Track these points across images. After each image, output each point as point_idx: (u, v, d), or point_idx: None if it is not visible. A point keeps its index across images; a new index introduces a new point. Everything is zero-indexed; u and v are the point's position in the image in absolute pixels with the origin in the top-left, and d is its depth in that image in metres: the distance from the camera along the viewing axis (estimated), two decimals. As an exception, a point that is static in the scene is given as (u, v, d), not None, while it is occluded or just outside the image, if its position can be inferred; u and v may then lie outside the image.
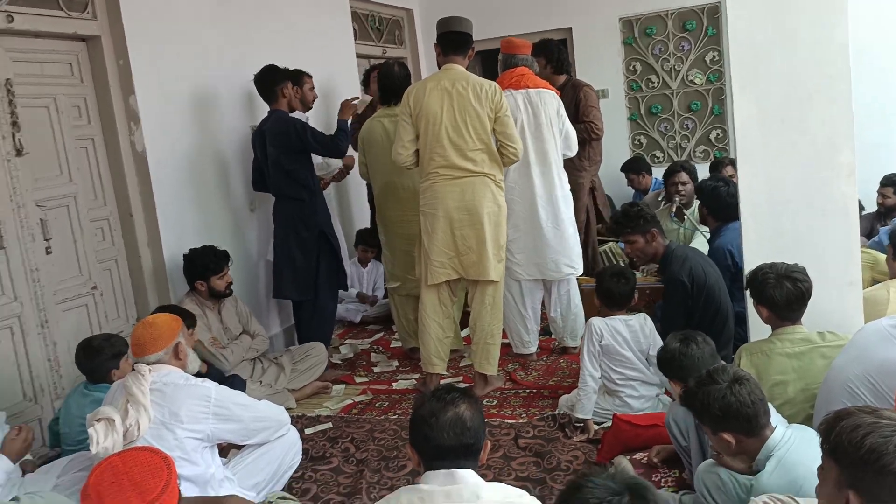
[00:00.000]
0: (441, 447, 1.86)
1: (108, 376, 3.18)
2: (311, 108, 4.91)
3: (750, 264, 3.02)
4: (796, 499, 1.88)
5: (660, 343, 3.10)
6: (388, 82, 4.50)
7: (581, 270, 4.43)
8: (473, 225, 3.82)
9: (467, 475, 1.84)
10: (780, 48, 3.05)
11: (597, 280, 3.60)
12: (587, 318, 3.88)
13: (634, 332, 3.40)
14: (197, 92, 4.44)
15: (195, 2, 4.44)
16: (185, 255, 4.08)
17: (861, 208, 5.00)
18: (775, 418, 2.18)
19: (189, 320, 3.48)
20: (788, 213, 3.10)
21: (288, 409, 3.09)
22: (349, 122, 4.53)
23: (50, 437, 3.40)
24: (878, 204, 5.23)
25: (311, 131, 4.33)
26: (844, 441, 1.47)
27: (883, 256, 3.88)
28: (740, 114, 3.14)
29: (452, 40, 3.94)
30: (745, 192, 3.16)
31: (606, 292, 3.48)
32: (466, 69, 3.95)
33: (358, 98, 4.95)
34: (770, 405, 2.17)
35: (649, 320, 3.47)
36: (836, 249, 3.04)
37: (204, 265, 4.03)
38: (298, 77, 4.70)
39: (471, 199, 3.81)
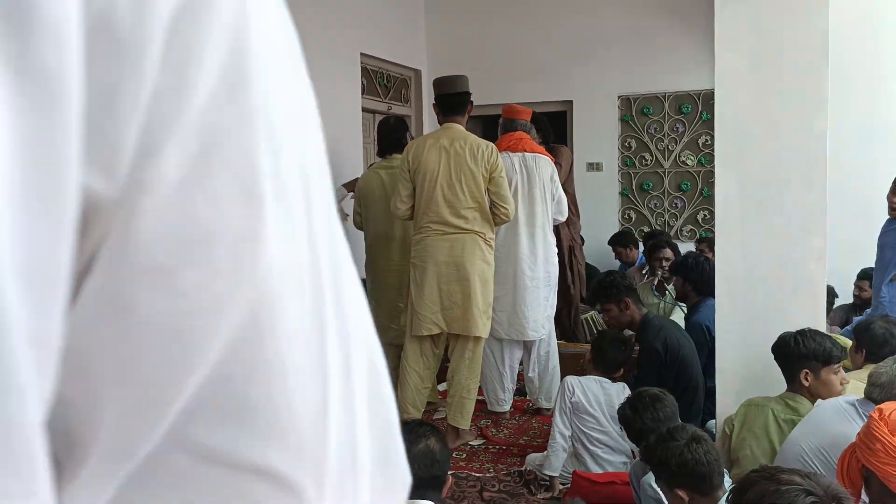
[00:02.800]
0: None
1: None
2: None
3: (722, 335, 3.11)
4: None
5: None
6: (384, 134, 4.66)
7: (546, 331, 4.47)
8: (460, 280, 3.88)
9: (427, 508, 1.89)
10: (762, 132, 3.20)
11: (597, 338, 3.67)
12: (563, 380, 3.93)
13: (609, 395, 3.42)
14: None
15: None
16: None
17: (835, 296, 5.12)
18: (728, 483, 2.23)
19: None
20: (761, 290, 3.21)
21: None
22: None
23: None
24: (855, 296, 5.35)
25: None
26: None
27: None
28: (721, 192, 3.27)
29: (449, 102, 4.09)
30: (721, 266, 3.28)
31: (600, 353, 3.55)
32: (466, 125, 4.07)
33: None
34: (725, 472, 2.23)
35: (627, 390, 3.50)
36: (802, 327, 3.13)
37: None
38: None
39: (459, 255, 3.88)
